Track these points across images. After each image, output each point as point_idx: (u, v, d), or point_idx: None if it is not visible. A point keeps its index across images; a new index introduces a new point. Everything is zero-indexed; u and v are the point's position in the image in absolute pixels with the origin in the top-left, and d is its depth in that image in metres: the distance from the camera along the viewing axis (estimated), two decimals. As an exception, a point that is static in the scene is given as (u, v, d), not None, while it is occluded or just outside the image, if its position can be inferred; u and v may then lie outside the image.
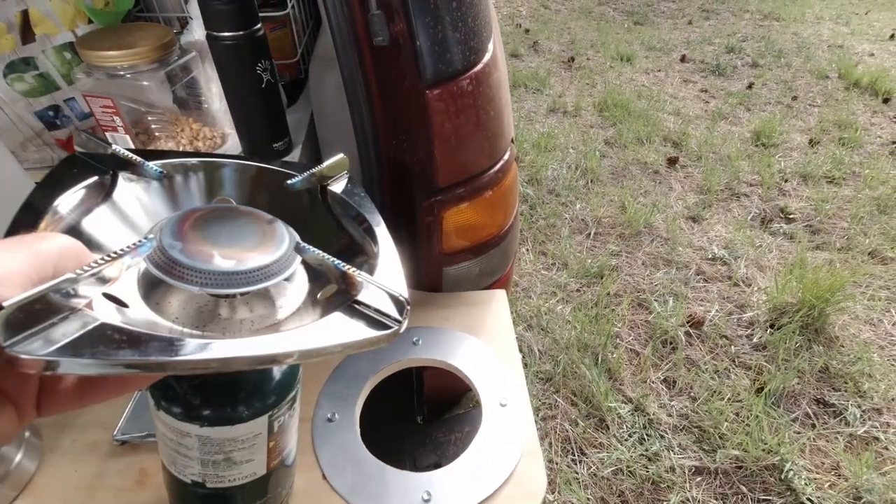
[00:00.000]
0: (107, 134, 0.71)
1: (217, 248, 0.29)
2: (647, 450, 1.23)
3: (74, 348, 0.21)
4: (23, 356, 0.20)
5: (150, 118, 0.71)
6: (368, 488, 0.47)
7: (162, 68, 0.67)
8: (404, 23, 0.50)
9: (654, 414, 1.30)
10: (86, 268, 0.23)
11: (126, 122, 0.68)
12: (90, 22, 0.72)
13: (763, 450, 1.19)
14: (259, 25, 0.65)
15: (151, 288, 0.31)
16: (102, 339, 0.22)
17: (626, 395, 1.35)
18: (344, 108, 0.61)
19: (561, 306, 1.59)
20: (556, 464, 1.23)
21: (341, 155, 0.40)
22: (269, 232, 0.31)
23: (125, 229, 0.34)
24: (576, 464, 1.23)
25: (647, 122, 2.41)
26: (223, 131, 0.80)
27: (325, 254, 0.31)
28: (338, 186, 0.40)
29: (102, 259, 0.24)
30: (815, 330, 1.45)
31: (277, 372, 0.35)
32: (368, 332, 0.28)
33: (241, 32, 0.63)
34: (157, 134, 0.72)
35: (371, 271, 0.32)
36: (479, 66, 0.54)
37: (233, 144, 0.79)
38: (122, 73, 0.66)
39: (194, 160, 0.39)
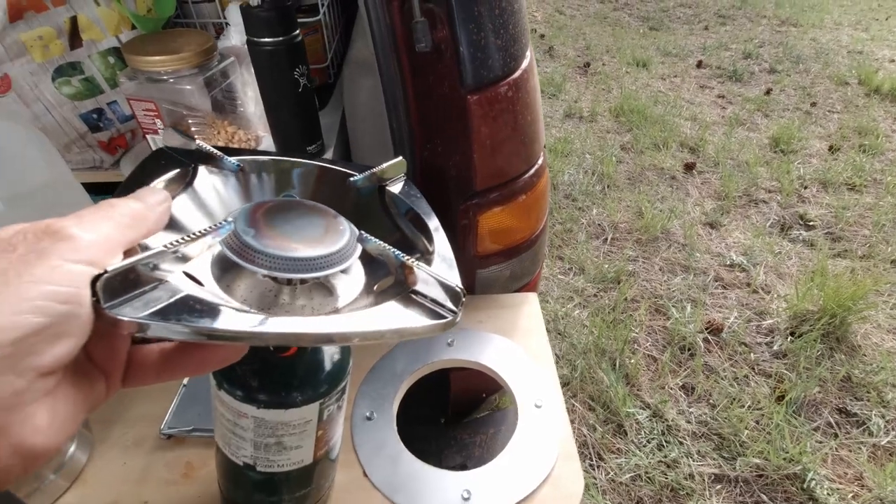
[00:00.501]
0: (148, 136, 0.73)
1: (285, 236, 0.31)
2: (665, 456, 1.23)
3: (164, 314, 0.23)
4: (120, 317, 0.22)
5: (189, 121, 0.73)
6: (408, 485, 0.48)
7: (202, 73, 0.69)
8: (447, 30, 0.51)
9: (672, 420, 1.29)
10: (174, 242, 0.25)
11: (166, 125, 0.70)
12: (133, 28, 0.75)
13: (784, 458, 1.19)
14: (297, 31, 0.67)
15: (225, 270, 0.32)
16: (187, 308, 0.24)
17: (644, 400, 1.35)
18: (377, 111, 0.62)
19: (578, 311, 1.59)
20: (575, 468, 1.23)
21: (399, 158, 0.41)
22: (333, 225, 0.33)
23: (203, 216, 0.37)
24: (594, 469, 1.23)
25: (664, 127, 2.41)
26: (257, 134, 0.81)
27: (386, 244, 0.33)
28: (395, 187, 0.42)
29: (186, 237, 0.26)
30: (836, 338, 1.44)
31: (329, 363, 0.37)
32: (425, 321, 0.29)
33: (280, 38, 0.65)
34: (194, 136, 0.74)
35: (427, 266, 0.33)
36: (518, 73, 0.55)
37: (266, 147, 0.81)
38: (164, 77, 0.68)
39: (265, 158, 0.42)
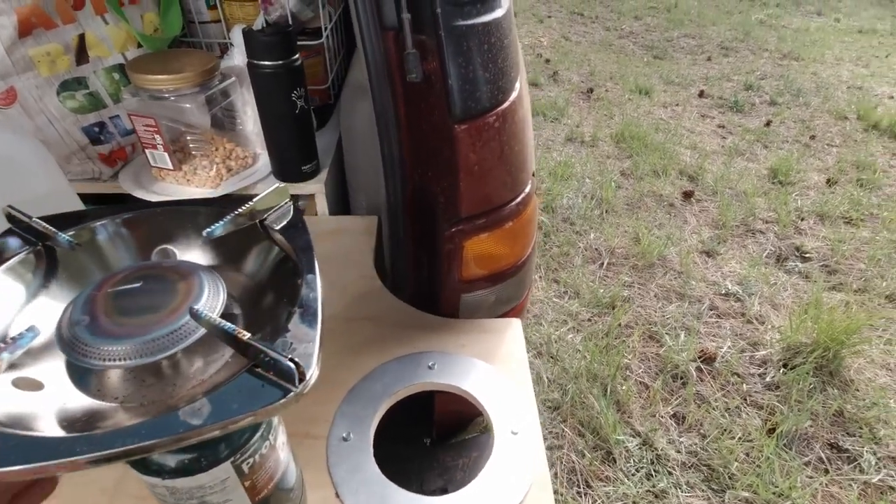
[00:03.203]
0: (147, 151, 0.75)
1: (122, 318, 0.30)
2: (654, 486, 1.21)
3: None
4: None
5: (188, 137, 0.75)
6: (380, 509, 0.48)
7: (203, 92, 0.71)
8: (437, 62, 0.53)
9: (662, 449, 1.28)
10: None
11: (165, 140, 0.72)
12: (139, 46, 0.77)
13: (774, 493, 1.17)
14: (297, 56, 0.69)
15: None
16: None
17: (634, 428, 1.34)
18: (372, 135, 0.64)
19: (571, 335, 1.59)
20: (562, 495, 1.22)
21: (279, 184, 0.39)
22: (185, 291, 0.32)
23: (56, 302, 0.35)
24: (581, 496, 1.22)
25: (664, 154, 2.43)
26: (255, 152, 0.83)
27: (219, 319, 0.30)
28: (279, 218, 0.39)
29: None
30: (829, 372, 1.43)
31: None
32: (266, 399, 0.27)
33: (280, 62, 0.67)
34: (193, 153, 0.76)
35: (289, 320, 0.31)
36: (506, 105, 0.57)
37: (263, 164, 0.83)
38: (166, 95, 0.70)
39: (130, 214, 0.40)
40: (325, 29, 0.90)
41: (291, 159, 0.77)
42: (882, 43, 4.07)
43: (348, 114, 0.80)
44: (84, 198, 0.66)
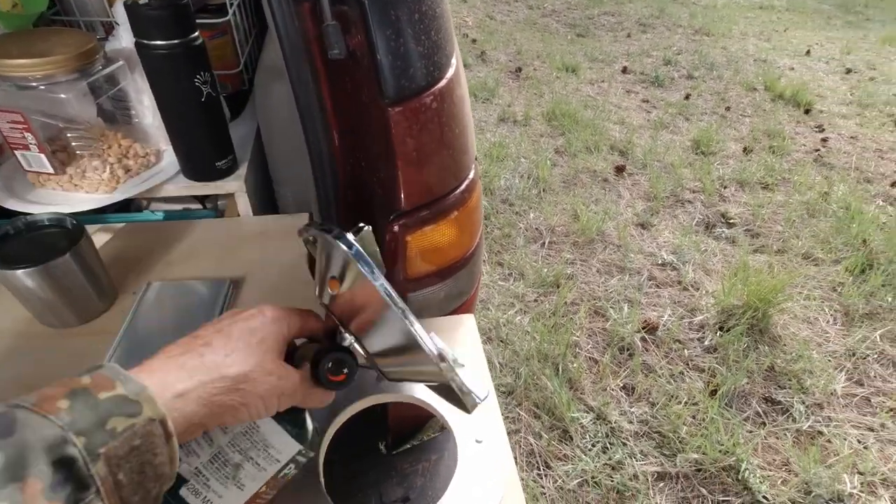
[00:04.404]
0: (17, 153, 0.62)
1: None
2: (610, 458, 1.23)
3: None
4: None
5: (69, 134, 0.63)
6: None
7: (83, 79, 0.60)
8: (363, 35, 0.46)
9: (615, 422, 1.30)
10: None
11: (40, 140, 0.60)
12: (-5, 26, 0.64)
13: (720, 451, 1.23)
14: (196, 34, 0.59)
15: None
16: None
17: (587, 404, 1.36)
18: (294, 123, 0.56)
19: (519, 317, 1.58)
20: (523, 479, 1.21)
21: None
22: None
23: None
24: (542, 478, 1.22)
25: (595, 131, 2.48)
26: (158, 148, 0.72)
27: None
28: None
29: None
30: (759, 330, 1.52)
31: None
32: None
33: (175, 41, 0.57)
34: (79, 152, 0.64)
35: None
36: (443, 82, 0.51)
37: (169, 163, 0.72)
38: (34, 84, 0.58)
39: None
40: (231, 5, 0.80)
41: (202, 155, 0.67)
42: (780, 18, 4.37)
43: (265, 100, 0.71)
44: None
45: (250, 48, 0.90)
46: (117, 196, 0.64)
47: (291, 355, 0.38)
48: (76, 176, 0.64)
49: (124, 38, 0.67)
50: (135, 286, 0.63)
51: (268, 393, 0.33)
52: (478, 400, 0.33)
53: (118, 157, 0.67)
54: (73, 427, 0.24)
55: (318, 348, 0.38)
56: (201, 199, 0.82)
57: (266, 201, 0.83)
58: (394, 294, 0.33)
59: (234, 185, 0.72)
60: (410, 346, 0.33)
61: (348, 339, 0.39)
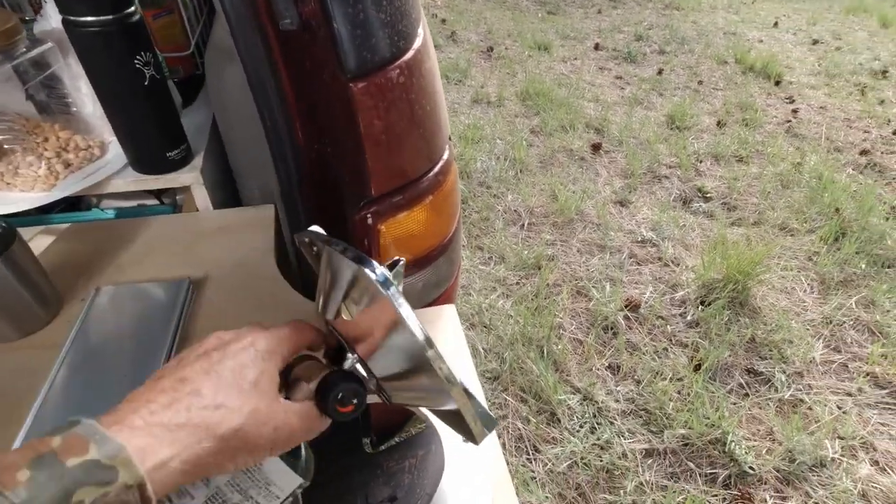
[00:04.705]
0: (-63, 150, 0.56)
1: None
2: (598, 438, 1.23)
3: None
4: None
5: (-4, 127, 0.57)
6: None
7: (5, 62, 0.53)
8: (317, 2, 0.41)
9: (602, 402, 1.30)
10: None
11: (-39, 134, 0.54)
12: None
13: (706, 425, 1.23)
14: (133, 9, 0.53)
15: None
16: None
17: (573, 385, 1.35)
18: (252, 106, 0.51)
19: (502, 301, 1.56)
20: (512, 465, 1.20)
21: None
22: None
23: None
24: (531, 462, 1.21)
25: (569, 109, 2.45)
26: (102, 140, 0.66)
27: None
28: None
29: None
30: (739, 303, 1.52)
31: None
32: None
33: (109, 17, 0.51)
34: (6, 146, 0.58)
35: None
36: (410, 54, 0.47)
37: (116, 155, 0.66)
38: (-52, 70, 0.52)
39: None
40: (177, -20, 0.73)
41: (150, 145, 0.61)
42: (747, -10, 4.38)
43: (217, 83, 0.65)
44: None
45: (202, 28, 0.84)
46: (57, 194, 0.58)
47: (286, 373, 0.35)
48: (8, 173, 0.58)
49: (53, 17, 0.60)
50: (83, 292, 0.57)
51: (260, 448, 0.29)
52: (486, 431, 0.30)
53: (56, 150, 0.61)
54: None
55: (325, 376, 0.34)
56: (158, 194, 0.76)
57: (228, 194, 0.77)
58: (421, 326, 0.29)
59: (190, 178, 0.66)
60: (428, 375, 0.30)
61: (350, 359, 0.35)
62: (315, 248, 0.38)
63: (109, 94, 0.56)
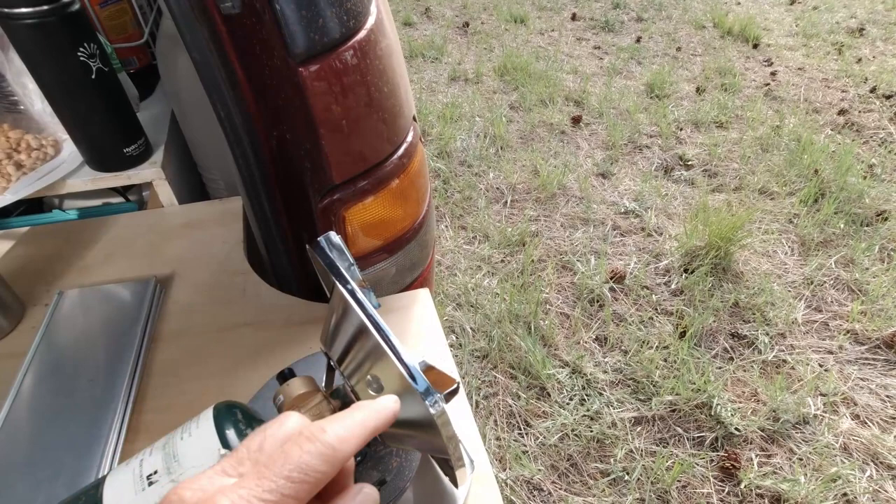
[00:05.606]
0: None
1: None
2: (588, 410, 1.25)
3: None
4: None
5: (-61, 132, 0.54)
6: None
7: (-60, 63, 0.51)
8: (257, -18, 0.40)
9: (590, 374, 1.31)
10: None
11: None
12: None
13: (692, 390, 1.25)
14: (71, -2, 0.51)
15: None
16: None
17: (562, 359, 1.36)
18: (205, 96, 0.49)
19: (487, 280, 1.56)
20: (504, 440, 1.21)
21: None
22: None
23: None
24: (523, 437, 1.22)
25: (548, 83, 2.42)
26: (55, 138, 0.64)
27: None
28: None
29: None
30: (722, 269, 1.54)
31: None
32: None
33: (44, 7, 0.48)
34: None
35: None
36: (363, 33, 0.45)
37: (71, 154, 0.64)
38: None
39: None
40: (123, -34, 0.70)
41: (105, 142, 0.59)
42: (723, -49, 4.32)
43: (171, 73, 0.63)
44: None
45: (155, 15, 0.80)
46: (9, 197, 0.56)
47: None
48: (-44, 179, 0.56)
49: (-10, 12, 0.57)
50: (46, 298, 0.56)
51: None
52: (469, 475, 0.30)
53: (6, 152, 0.58)
54: None
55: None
56: (122, 191, 0.73)
57: (194, 188, 0.75)
58: (436, 396, 0.28)
59: (151, 173, 0.64)
60: (429, 429, 0.29)
61: (346, 387, 0.35)
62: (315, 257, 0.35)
63: (55, 90, 0.54)
